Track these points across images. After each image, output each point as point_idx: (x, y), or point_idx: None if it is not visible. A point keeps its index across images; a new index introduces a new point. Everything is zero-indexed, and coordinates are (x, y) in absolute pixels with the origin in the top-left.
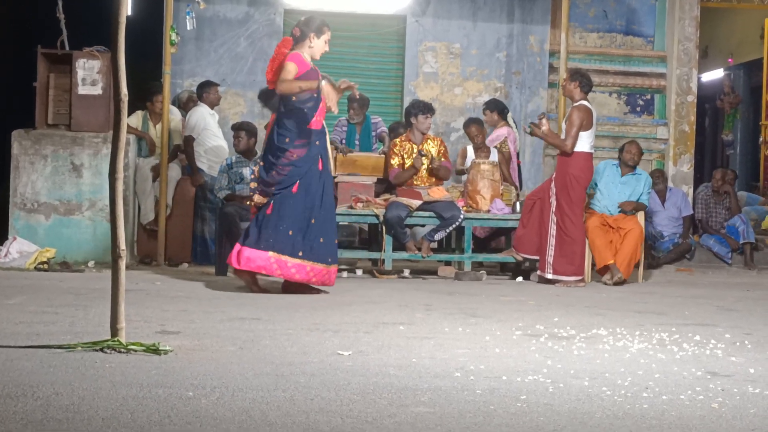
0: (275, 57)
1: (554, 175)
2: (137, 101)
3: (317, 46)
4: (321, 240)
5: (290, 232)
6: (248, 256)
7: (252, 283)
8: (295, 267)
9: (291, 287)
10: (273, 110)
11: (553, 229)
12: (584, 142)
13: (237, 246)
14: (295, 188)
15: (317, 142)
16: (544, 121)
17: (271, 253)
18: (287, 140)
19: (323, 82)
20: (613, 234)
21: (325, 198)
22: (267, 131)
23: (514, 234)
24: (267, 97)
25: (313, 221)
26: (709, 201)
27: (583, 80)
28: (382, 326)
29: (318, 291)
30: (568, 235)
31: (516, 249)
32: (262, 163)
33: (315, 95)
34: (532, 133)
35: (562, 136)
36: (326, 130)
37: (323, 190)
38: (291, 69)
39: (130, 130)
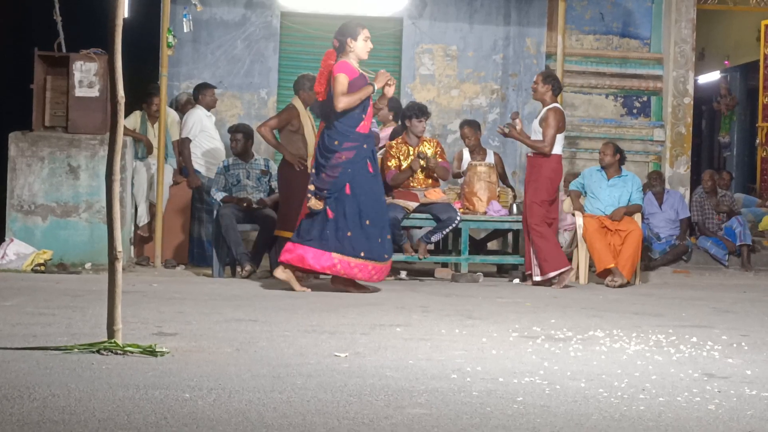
0: (322, 70)
1: (525, 178)
2: (134, 103)
3: (358, 47)
4: (379, 240)
5: (349, 233)
6: (312, 256)
7: (298, 279)
8: (357, 267)
9: (339, 284)
10: (323, 119)
11: (532, 234)
12: (558, 145)
13: (294, 245)
14: (348, 190)
15: (365, 145)
16: (518, 120)
17: (334, 255)
18: (336, 143)
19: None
20: (612, 237)
21: (378, 200)
22: (316, 137)
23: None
24: (321, 109)
25: (368, 222)
26: (704, 203)
27: (555, 83)
28: (378, 328)
29: (366, 289)
30: (539, 234)
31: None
32: (313, 170)
33: (364, 100)
34: (507, 135)
35: (537, 138)
36: (372, 133)
37: (376, 192)
38: (342, 81)
39: (127, 131)
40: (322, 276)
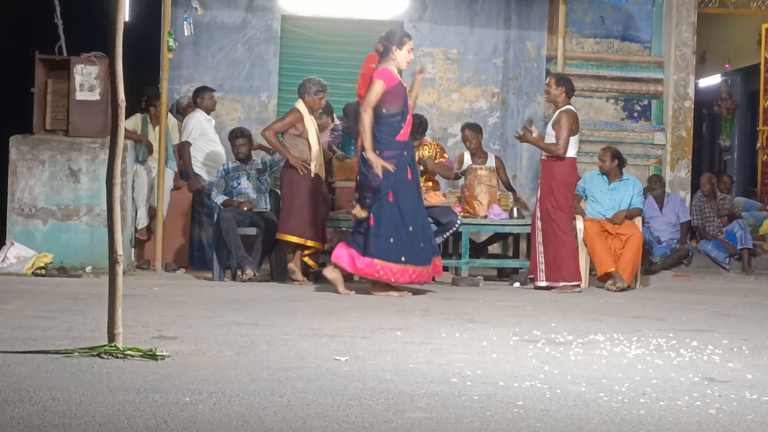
0: (364, 73)
1: (539, 182)
2: (135, 107)
3: (400, 57)
4: (421, 245)
5: (391, 240)
6: (357, 260)
7: (343, 280)
8: (399, 272)
9: (379, 290)
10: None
11: (539, 237)
12: (571, 147)
13: (344, 246)
14: (390, 197)
15: (405, 153)
16: (533, 127)
17: (376, 261)
18: (377, 151)
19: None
20: (612, 240)
21: (418, 206)
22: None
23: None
24: (356, 113)
25: (411, 228)
26: (704, 207)
27: (568, 85)
28: (379, 331)
29: (406, 292)
30: (557, 240)
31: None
32: (358, 177)
33: (403, 108)
34: (522, 139)
35: (550, 141)
36: (411, 141)
37: (416, 199)
38: (378, 88)
39: (127, 133)
40: (359, 279)
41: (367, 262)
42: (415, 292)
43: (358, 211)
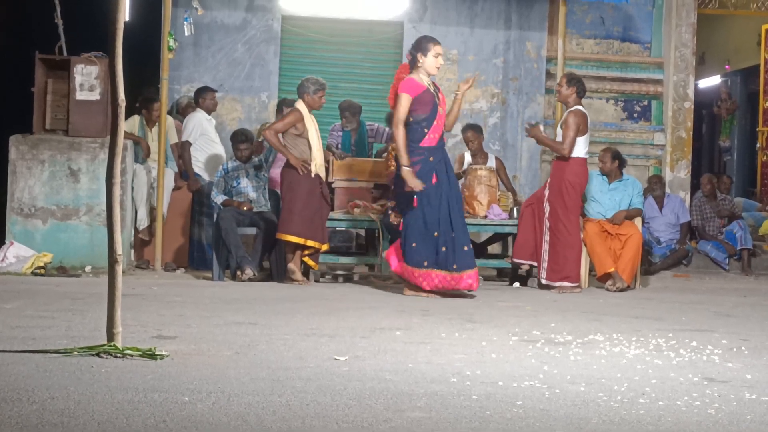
0: (395, 83)
1: (549, 181)
2: (134, 107)
3: (427, 63)
4: (443, 249)
5: (414, 244)
6: (394, 260)
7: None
8: (422, 276)
9: (410, 290)
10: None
11: (546, 235)
12: (580, 148)
13: (394, 247)
14: (414, 203)
15: (431, 158)
16: (540, 127)
17: (404, 264)
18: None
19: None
20: (612, 241)
21: (450, 212)
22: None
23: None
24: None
25: (436, 234)
26: (704, 207)
27: (579, 85)
28: (378, 331)
29: (467, 295)
30: (562, 240)
31: (512, 255)
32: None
33: (430, 114)
34: (530, 134)
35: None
36: (443, 144)
37: (441, 204)
38: (404, 102)
39: (125, 135)
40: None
41: (400, 264)
42: (451, 296)
43: (394, 218)
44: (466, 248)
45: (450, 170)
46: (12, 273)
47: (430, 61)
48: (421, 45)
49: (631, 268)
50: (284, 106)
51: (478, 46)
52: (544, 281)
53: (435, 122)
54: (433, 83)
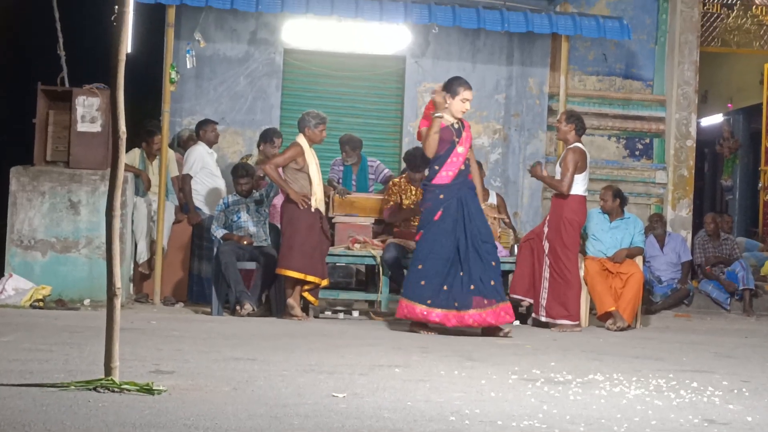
0: (423, 119)
1: (548, 217)
2: (136, 139)
3: (454, 106)
4: (444, 288)
5: (422, 282)
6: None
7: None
8: (421, 312)
9: (414, 327)
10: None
11: (546, 272)
12: (579, 185)
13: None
14: (418, 237)
15: (441, 195)
16: (542, 165)
17: (406, 301)
18: (422, 199)
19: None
20: (613, 279)
21: (439, 247)
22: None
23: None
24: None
25: (420, 266)
26: (707, 246)
27: (578, 123)
28: (377, 368)
29: (430, 332)
30: (562, 278)
31: (510, 291)
32: None
33: (444, 153)
34: (533, 173)
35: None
36: (461, 181)
37: (437, 239)
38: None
39: (126, 167)
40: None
41: (401, 303)
42: (454, 333)
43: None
44: (472, 287)
45: (469, 206)
46: (10, 305)
47: (457, 104)
48: (452, 86)
49: (632, 308)
50: (274, 136)
51: (480, 82)
52: (543, 318)
53: (449, 160)
54: (460, 120)
